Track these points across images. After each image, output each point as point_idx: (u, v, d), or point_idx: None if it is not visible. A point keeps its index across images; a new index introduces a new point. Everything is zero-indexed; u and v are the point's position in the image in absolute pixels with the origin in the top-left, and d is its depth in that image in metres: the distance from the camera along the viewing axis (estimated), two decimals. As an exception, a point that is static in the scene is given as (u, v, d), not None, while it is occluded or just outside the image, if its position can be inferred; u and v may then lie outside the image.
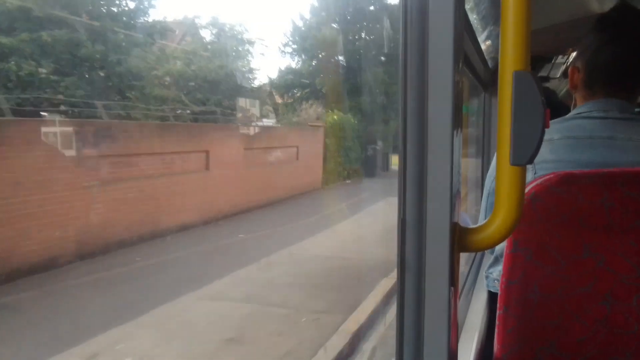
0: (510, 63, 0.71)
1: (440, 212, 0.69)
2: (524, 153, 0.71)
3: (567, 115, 1.25)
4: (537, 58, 3.05)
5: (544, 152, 1.16)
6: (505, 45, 0.71)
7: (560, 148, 1.16)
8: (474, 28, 1.79)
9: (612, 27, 1.22)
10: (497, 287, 1.15)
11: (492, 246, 0.77)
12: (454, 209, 0.71)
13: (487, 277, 1.45)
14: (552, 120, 1.23)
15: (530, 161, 0.73)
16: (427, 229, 0.69)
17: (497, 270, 1.36)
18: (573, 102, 1.35)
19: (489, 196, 1.38)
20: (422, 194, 0.70)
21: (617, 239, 1.06)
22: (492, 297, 1.49)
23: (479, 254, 2.13)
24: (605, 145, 1.14)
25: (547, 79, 3.22)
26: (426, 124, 0.70)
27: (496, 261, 1.39)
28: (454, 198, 0.70)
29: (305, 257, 8.42)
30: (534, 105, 0.71)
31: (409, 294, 0.70)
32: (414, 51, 0.70)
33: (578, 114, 1.23)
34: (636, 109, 1.21)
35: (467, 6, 1.52)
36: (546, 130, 0.74)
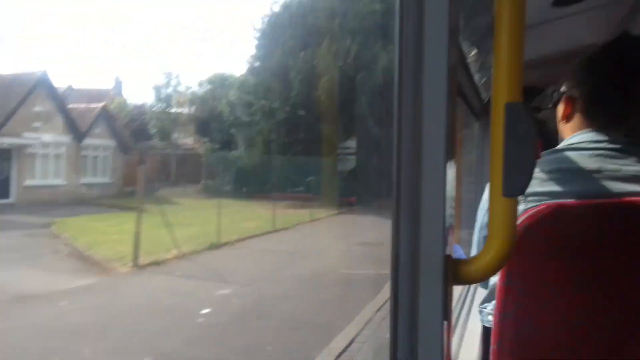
0: (502, 94, 0.71)
1: (433, 245, 0.68)
2: (517, 184, 0.71)
3: (557, 147, 1.25)
4: (529, 89, 3.08)
5: (535, 185, 1.16)
6: (498, 77, 0.72)
7: (551, 180, 1.16)
8: (468, 60, 1.81)
9: (616, 58, 1.22)
10: (491, 322, 1.13)
11: (486, 278, 0.76)
12: (447, 241, 0.70)
13: (480, 312, 1.43)
14: (542, 152, 1.22)
15: (523, 192, 0.73)
16: (420, 262, 0.68)
17: (491, 305, 1.34)
18: (561, 132, 1.35)
19: (481, 229, 1.37)
20: (416, 226, 0.69)
21: (610, 269, 1.06)
22: (486, 332, 1.47)
23: (471, 290, 2.11)
24: (595, 177, 1.14)
25: (539, 109, 3.25)
26: (420, 157, 0.69)
27: (490, 295, 1.37)
28: (446, 231, 0.69)
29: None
30: (526, 137, 0.71)
31: (402, 327, 0.69)
32: (409, 83, 0.71)
33: (568, 145, 1.23)
34: (628, 139, 1.21)
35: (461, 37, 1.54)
36: (537, 162, 0.74)
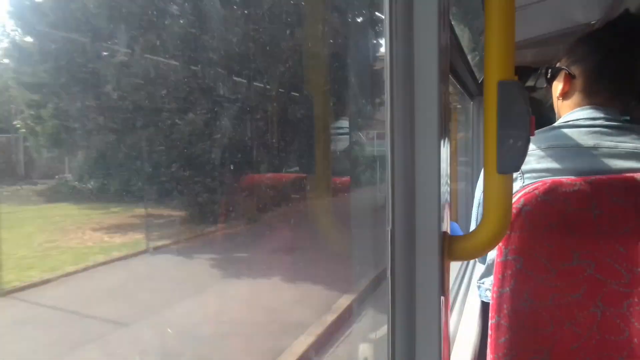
0: (495, 73, 0.72)
1: (429, 222, 0.70)
2: (511, 161, 0.72)
3: (554, 124, 1.26)
4: (524, 69, 3.08)
5: (532, 162, 1.17)
6: (490, 56, 0.72)
7: (548, 157, 1.17)
8: (461, 40, 1.81)
9: (620, 35, 1.23)
10: (489, 297, 1.15)
11: (481, 254, 0.77)
12: (443, 218, 0.71)
13: (479, 287, 1.45)
14: (539, 130, 1.23)
15: (517, 169, 0.74)
16: (417, 239, 0.70)
17: (489, 280, 1.36)
18: (558, 109, 1.36)
19: (479, 205, 1.38)
20: (412, 204, 0.70)
21: (606, 245, 1.07)
22: (484, 307, 1.49)
23: (470, 265, 2.13)
24: (592, 154, 1.15)
25: (534, 89, 3.25)
26: (414, 135, 0.70)
27: (488, 271, 1.39)
28: (442, 207, 0.70)
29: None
30: (520, 114, 0.72)
31: (400, 304, 0.70)
32: (400, 62, 0.71)
33: (565, 122, 1.24)
34: (623, 117, 1.22)
35: (453, 19, 1.54)
36: (533, 139, 0.75)
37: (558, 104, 1.35)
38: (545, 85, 1.45)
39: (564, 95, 1.30)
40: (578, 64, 1.27)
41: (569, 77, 1.28)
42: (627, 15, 1.25)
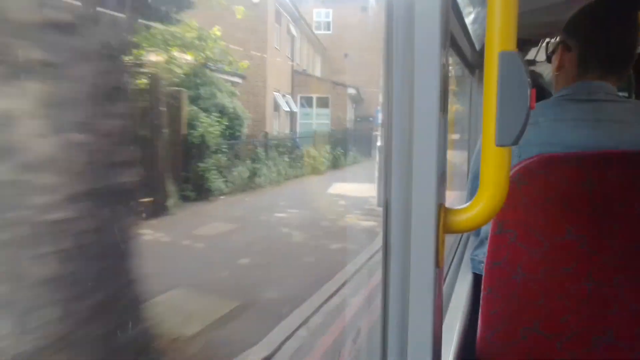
0: (496, 43, 0.70)
1: (425, 194, 0.69)
2: (510, 134, 0.71)
3: (552, 98, 1.25)
4: (524, 41, 3.04)
5: (529, 135, 1.16)
6: (492, 26, 0.71)
7: (545, 130, 1.16)
8: (461, 8, 1.78)
9: (612, 8, 1.21)
10: (482, 270, 1.16)
11: (477, 227, 0.77)
12: (440, 190, 0.70)
13: (472, 259, 1.46)
14: (537, 103, 1.22)
15: (516, 142, 0.73)
16: (413, 211, 0.69)
17: (482, 253, 1.37)
18: (555, 83, 1.35)
19: (475, 178, 1.38)
20: (409, 175, 0.69)
21: (599, 220, 1.07)
22: (477, 279, 1.50)
23: (464, 237, 2.14)
24: (590, 128, 1.15)
25: (533, 62, 3.22)
26: (412, 106, 0.69)
27: (481, 244, 1.40)
28: (439, 179, 0.70)
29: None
30: (520, 86, 0.71)
31: (394, 275, 0.70)
32: (400, 32, 0.69)
33: (563, 96, 1.23)
34: (619, 93, 1.22)
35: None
36: (531, 112, 0.74)
37: (556, 77, 1.34)
38: (544, 59, 1.43)
39: (561, 68, 1.29)
40: (573, 37, 1.26)
41: (566, 50, 1.27)
42: None
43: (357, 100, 25.20)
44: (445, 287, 1.74)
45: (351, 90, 23.38)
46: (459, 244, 2.10)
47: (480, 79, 2.46)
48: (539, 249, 1.08)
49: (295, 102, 20.75)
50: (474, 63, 2.42)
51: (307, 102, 21.89)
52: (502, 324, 1.10)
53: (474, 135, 2.61)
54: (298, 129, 20.45)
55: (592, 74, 1.22)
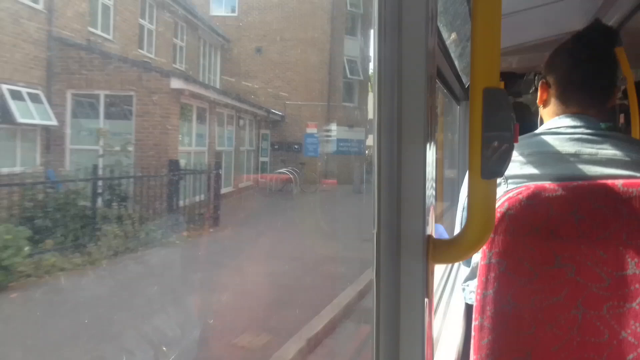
0: (480, 80, 0.73)
1: (414, 225, 0.71)
2: (495, 167, 0.73)
3: (536, 131, 1.28)
4: (510, 74, 3.12)
5: (515, 168, 1.19)
6: (476, 63, 0.74)
7: (530, 163, 1.19)
8: (449, 46, 1.83)
9: (587, 46, 1.26)
10: (473, 299, 1.16)
11: (464, 258, 0.78)
12: (428, 222, 0.72)
13: (463, 289, 1.46)
14: (522, 136, 1.26)
15: (500, 175, 0.75)
16: (402, 242, 0.70)
17: (474, 283, 1.38)
18: (539, 117, 1.39)
19: (464, 209, 1.40)
20: (397, 207, 0.71)
21: (587, 249, 1.09)
22: (468, 309, 1.50)
23: (455, 268, 2.15)
24: (573, 161, 1.18)
25: (519, 94, 3.30)
26: (400, 139, 0.71)
27: (472, 273, 1.41)
28: (427, 211, 0.71)
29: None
30: (504, 121, 0.73)
31: (385, 306, 0.71)
32: (388, 66, 0.72)
33: (547, 130, 1.26)
34: (602, 125, 1.25)
35: (441, 25, 1.55)
36: (516, 146, 0.76)
37: (540, 111, 1.38)
38: (530, 92, 1.48)
39: (544, 102, 1.34)
40: (552, 74, 1.31)
41: (547, 86, 1.31)
42: (594, 26, 1.29)
43: (271, 120, 18.95)
44: (437, 318, 1.74)
45: (259, 111, 17.24)
46: (449, 273, 2.11)
47: (466, 111, 2.51)
48: (528, 279, 1.09)
49: (62, 104, 9.96)
50: (461, 97, 2.48)
51: (89, 105, 10.52)
52: (494, 354, 1.11)
53: (462, 166, 2.65)
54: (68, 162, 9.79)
55: (573, 109, 1.26)
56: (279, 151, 19.38)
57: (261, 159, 19.11)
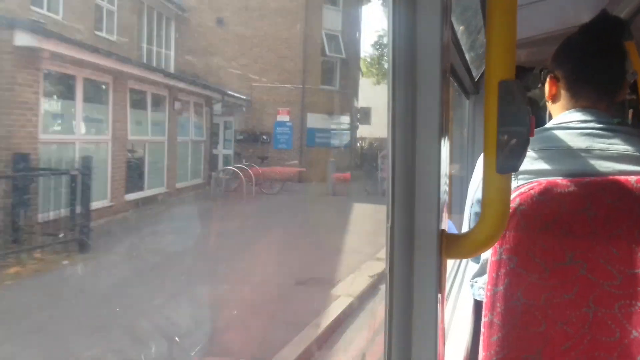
0: (496, 72, 0.72)
1: (428, 220, 0.70)
2: (510, 161, 0.73)
3: (546, 126, 1.27)
4: (520, 68, 3.10)
5: (526, 163, 1.17)
6: (491, 55, 0.73)
7: (541, 159, 1.18)
8: (460, 38, 1.82)
9: (595, 38, 1.24)
10: (482, 295, 1.16)
11: (478, 253, 0.78)
12: (442, 216, 0.71)
13: (472, 285, 1.46)
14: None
15: (516, 169, 0.74)
16: (416, 237, 0.70)
17: (483, 279, 1.37)
18: (548, 112, 1.37)
19: (473, 205, 1.39)
20: (411, 202, 0.70)
21: (599, 246, 1.08)
22: (477, 305, 1.50)
23: (462, 263, 2.15)
24: (584, 156, 1.16)
25: (528, 88, 3.28)
26: (415, 134, 0.71)
27: (482, 269, 1.40)
28: (441, 206, 0.71)
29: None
30: (520, 114, 0.72)
31: (398, 300, 0.71)
32: (402, 60, 0.71)
33: (557, 124, 1.25)
34: (615, 120, 1.23)
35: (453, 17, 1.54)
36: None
37: (549, 105, 1.36)
38: (539, 86, 1.46)
39: (553, 97, 1.32)
40: (560, 68, 1.29)
41: (555, 80, 1.30)
42: (601, 18, 1.27)
43: (232, 104, 15.98)
44: (445, 313, 1.73)
45: (212, 93, 14.21)
46: (457, 269, 2.11)
47: (477, 106, 2.50)
48: (539, 275, 1.09)
49: None
50: (471, 90, 2.46)
51: None
52: (503, 351, 1.10)
53: (470, 161, 2.63)
54: None
55: (582, 103, 1.25)
56: (244, 143, 16.41)
57: (224, 151, 16.11)
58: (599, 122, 1.20)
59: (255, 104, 16.92)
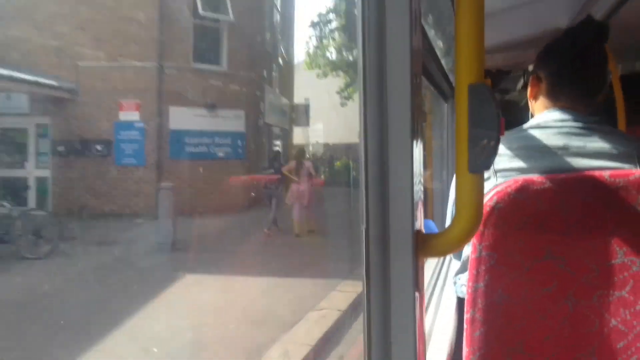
0: (465, 76, 0.74)
1: (402, 221, 0.71)
2: (482, 161, 0.75)
3: (525, 125, 1.30)
4: (497, 72, 3.15)
5: (504, 161, 1.20)
6: (460, 60, 0.75)
7: (519, 157, 1.21)
8: (436, 44, 1.85)
9: (579, 42, 1.28)
10: (464, 292, 1.17)
11: (453, 251, 0.79)
12: (416, 216, 0.73)
13: (455, 283, 1.48)
14: (511, 131, 1.27)
15: (487, 168, 0.76)
16: (391, 237, 0.71)
17: (465, 276, 1.39)
18: (530, 111, 1.41)
19: (454, 204, 1.41)
20: (385, 204, 0.72)
21: (576, 241, 1.11)
22: (460, 302, 1.52)
23: (446, 263, 2.17)
24: (561, 154, 1.19)
25: (507, 91, 3.34)
26: (386, 135, 0.72)
27: (463, 267, 1.42)
28: (415, 206, 0.72)
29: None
30: (490, 115, 0.74)
31: (375, 301, 0.72)
32: (372, 63, 0.73)
33: (536, 124, 1.28)
34: (592, 118, 1.26)
35: (427, 25, 1.57)
36: (505, 139, 0.77)
37: (531, 105, 1.40)
38: (519, 88, 1.50)
39: (534, 97, 1.36)
40: (542, 69, 1.33)
41: (537, 81, 1.33)
42: (584, 22, 1.31)
43: (47, 97, 9.81)
44: (429, 311, 1.75)
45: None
46: (441, 267, 2.13)
47: (454, 109, 2.53)
48: (519, 271, 1.11)
49: None
50: (448, 94, 2.50)
51: None
52: (487, 346, 1.12)
53: (451, 161, 2.67)
54: None
55: (561, 103, 1.28)
56: (66, 157, 10.32)
57: (36, 172, 10.25)
58: (575, 121, 1.23)
59: (84, 95, 10.51)
